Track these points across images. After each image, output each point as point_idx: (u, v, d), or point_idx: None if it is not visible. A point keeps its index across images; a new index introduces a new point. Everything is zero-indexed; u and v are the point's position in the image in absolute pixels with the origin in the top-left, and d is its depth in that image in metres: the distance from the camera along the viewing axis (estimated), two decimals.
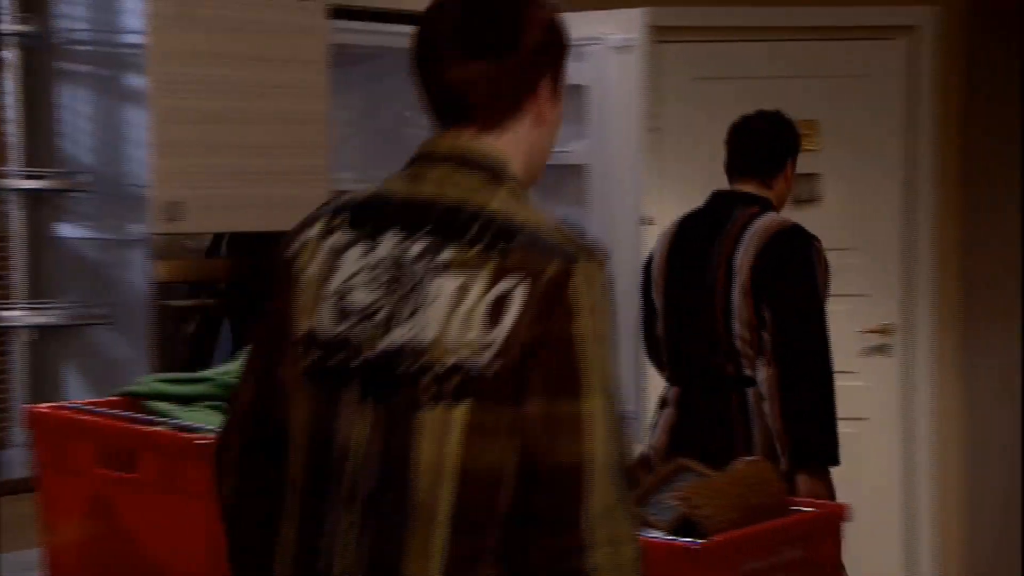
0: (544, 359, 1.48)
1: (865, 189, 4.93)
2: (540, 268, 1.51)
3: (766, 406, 3.28)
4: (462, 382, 1.49)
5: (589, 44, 4.06)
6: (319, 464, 1.56)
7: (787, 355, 3.23)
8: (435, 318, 1.52)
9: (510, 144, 1.63)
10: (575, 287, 1.50)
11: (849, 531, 4.81)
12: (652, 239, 4.89)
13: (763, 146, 3.44)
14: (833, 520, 3.50)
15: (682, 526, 3.23)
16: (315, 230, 1.65)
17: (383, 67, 4.43)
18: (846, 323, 4.88)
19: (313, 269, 1.62)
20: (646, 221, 4.36)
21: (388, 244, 1.58)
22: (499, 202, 1.57)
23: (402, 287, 1.55)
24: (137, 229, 3.38)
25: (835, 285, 4.90)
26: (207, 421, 2.14)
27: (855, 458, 4.88)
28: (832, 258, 4.83)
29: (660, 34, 4.86)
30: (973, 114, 4.84)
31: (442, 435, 1.50)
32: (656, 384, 3.85)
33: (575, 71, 4.03)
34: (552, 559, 1.48)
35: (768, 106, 4.83)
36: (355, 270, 1.59)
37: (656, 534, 3.24)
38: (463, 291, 1.52)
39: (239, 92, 3.56)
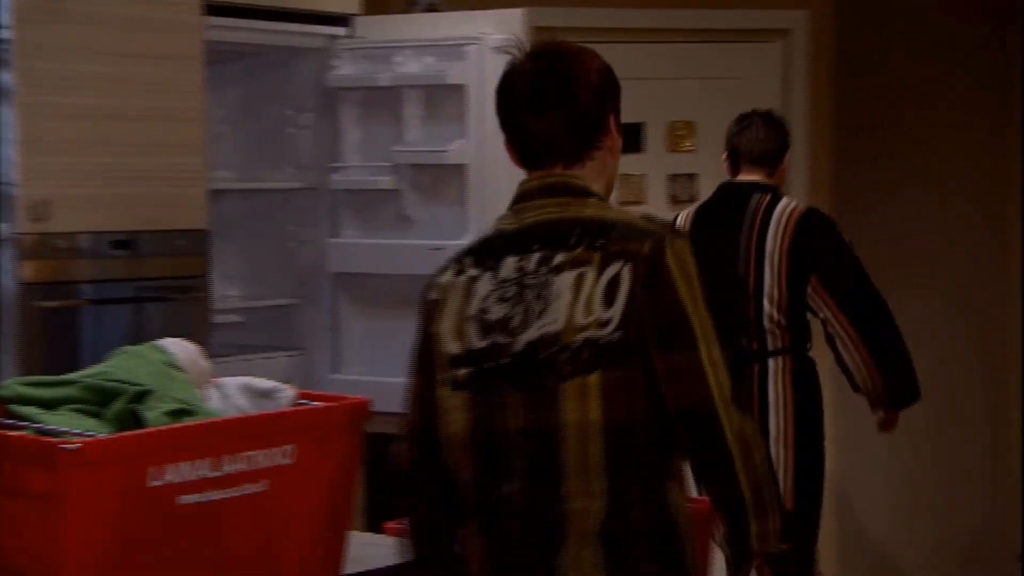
0: (656, 322, 1.87)
1: None
2: (637, 250, 1.89)
3: (851, 364, 3.67)
4: (592, 354, 1.87)
5: (468, 44, 4.06)
6: (482, 453, 1.95)
7: (862, 317, 3.63)
8: (561, 309, 1.90)
9: (591, 172, 2.01)
10: (668, 259, 1.88)
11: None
12: None
13: (772, 140, 3.79)
14: (704, 514, 3.56)
15: None
16: (449, 274, 2.03)
17: (261, 65, 4.38)
18: None
19: (452, 303, 2.00)
20: None
21: (508, 267, 1.97)
22: (591, 210, 1.96)
23: (528, 294, 1.94)
24: (4, 229, 3.30)
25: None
26: (72, 425, 2.09)
27: None
28: None
29: (540, 34, 4.88)
30: (843, 113, 4.95)
31: (583, 399, 1.87)
32: None
33: (454, 70, 4.07)
34: (712, 472, 1.90)
35: (646, 106, 4.91)
36: (486, 293, 1.97)
37: None
38: (579, 282, 1.90)
39: (111, 89, 3.49)
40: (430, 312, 2.03)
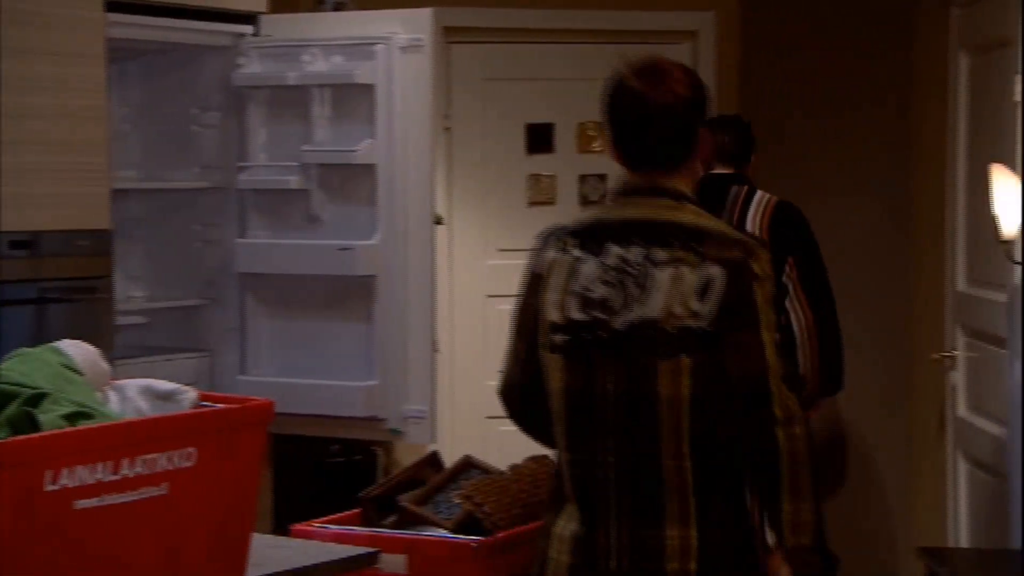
0: (736, 312, 2.28)
1: None
2: (730, 257, 2.30)
3: (799, 344, 3.86)
4: (686, 340, 2.28)
5: (376, 43, 4.04)
6: (578, 408, 2.35)
7: (820, 307, 3.89)
8: (660, 298, 2.30)
9: (684, 177, 2.39)
10: (753, 268, 2.30)
11: None
12: (444, 239, 4.93)
13: (742, 138, 4.09)
14: None
15: (467, 523, 3.26)
16: (553, 251, 2.40)
17: (165, 63, 4.32)
18: None
19: (557, 278, 2.38)
20: (438, 220, 4.36)
21: (612, 255, 2.35)
22: (688, 216, 2.35)
23: (628, 281, 2.33)
24: None
25: None
26: None
27: None
28: None
29: (449, 34, 4.88)
30: (748, 113, 4.99)
31: (676, 378, 2.29)
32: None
33: (362, 70, 4.05)
34: (758, 427, 2.29)
35: (556, 105, 4.93)
36: (590, 274, 2.35)
37: (439, 532, 3.25)
38: (677, 279, 2.30)
39: (11, 86, 3.42)
40: (535, 284, 2.41)
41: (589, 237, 2.38)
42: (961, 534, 4.10)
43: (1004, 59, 3.69)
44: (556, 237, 2.40)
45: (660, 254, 2.31)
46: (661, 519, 2.31)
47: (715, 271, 2.28)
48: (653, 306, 2.30)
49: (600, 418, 2.34)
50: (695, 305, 2.28)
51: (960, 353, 4.12)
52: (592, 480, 2.35)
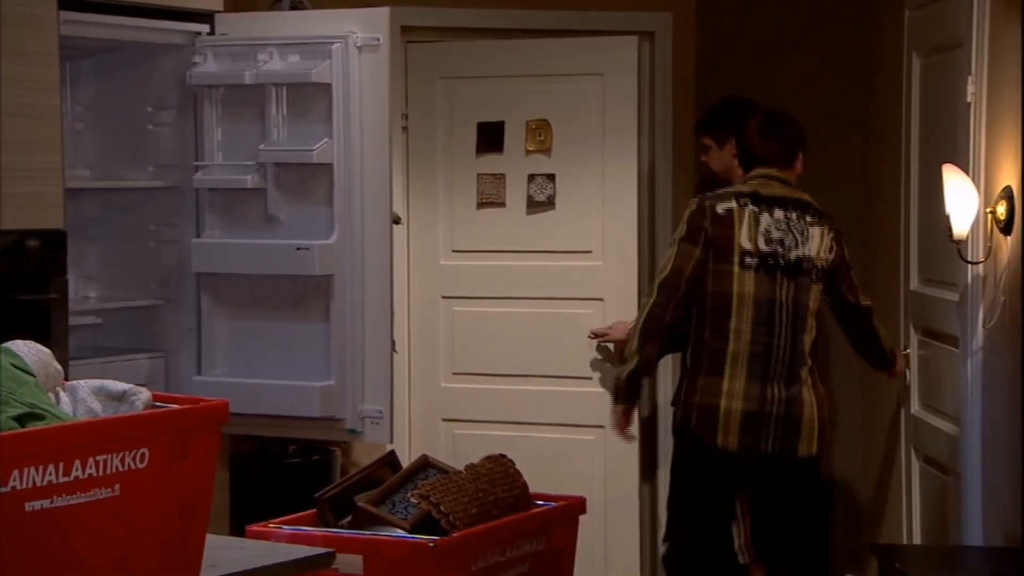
0: (844, 264, 3.97)
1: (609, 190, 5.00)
2: (834, 225, 3.94)
3: None
4: (820, 272, 3.87)
5: (333, 42, 4.03)
6: (763, 309, 3.79)
7: None
8: (813, 245, 3.86)
9: (792, 173, 3.97)
10: (841, 232, 3.98)
11: (592, 528, 4.88)
12: (402, 237, 4.90)
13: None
14: (571, 512, 3.59)
15: (424, 523, 3.26)
16: (732, 203, 3.84)
17: (120, 61, 4.29)
18: (584, 326, 4.84)
19: (744, 221, 3.81)
20: (396, 220, 4.35)
21: (779, 214, 3.85)
22: (805, 196, 3.92)
23: (794, 230, 3.85)
24: None
25: (572, 289, 4.90)
26: None
27: (595, 459, 4.96)
28: (567, 260, 4.88)
29: (406, 34, 4.86)
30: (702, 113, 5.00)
31: (814, 293, 3.86)
32: None
33: (319, 69, 4.04)
34: (854, 303, 4.02)
35: (510, 104, 4.89)
36: (768, 223, 3.82)
37: (396, 532, 3.25)
38: (821, 235, 3.88)
39: None
40: (725, 220, 3.80)
41: (756, 201, 3.83)
42: (915, 531, 4.14)
43: (954, 61, 3.73)
44: (726, 198, 3.84)
45: (808, 218, 3.86)
46: (799, 380, 3.80)
47: (834, 234, 3.90)
48: (810, 249, 3.84)
49: (776, 316, 3.78)
50: (827, 253, 3.87)
51: (912, 352, 4.16)
52: (766, 354, 3.76)
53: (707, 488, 3.85)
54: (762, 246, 3.75)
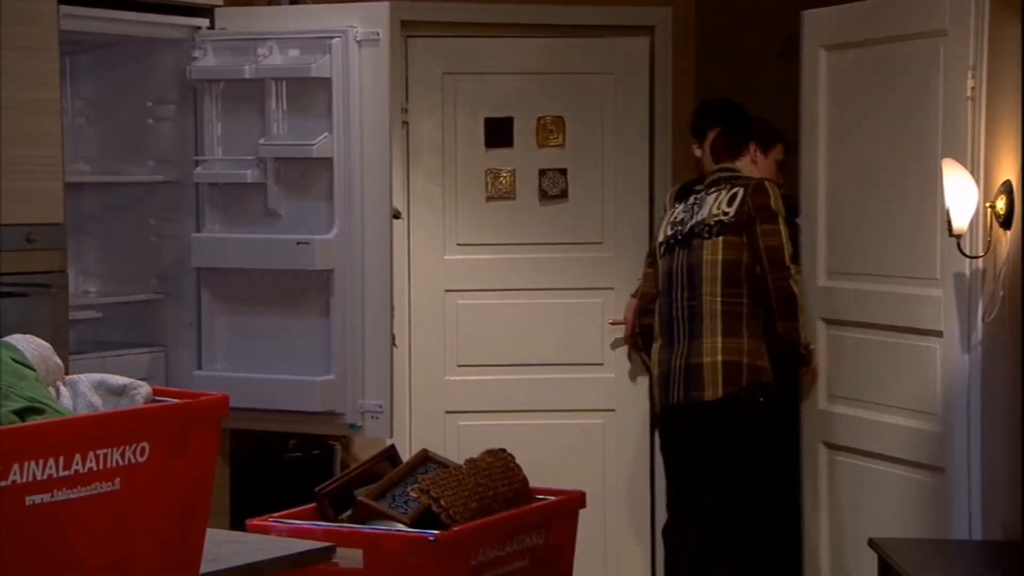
0: (757, 213, 4.12)
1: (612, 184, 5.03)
2: (748, 183, 4.17)
3: None
4: (718, 226, 4.15)
5: (333, 37, 4.03)
6: (664, 281, 4.25)
7: None
8: (706, 209, 4.18)
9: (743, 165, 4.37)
10: (764, 188, 4.15)
11: (594, 519, 4.92)
12: (402, 233, 4.90)
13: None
14: (571, 506, 3.59)
15: (424, 517, 3.26)
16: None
17: (120, 55, 4.29)
18: (596, 316, 4.99)
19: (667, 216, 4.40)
20: (397, 214, 4.36)
21: (690, 199, 4.31)
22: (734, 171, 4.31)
23: (693, 208, 4.24)
24: None
25: (583, 279, 5.00)
26: None
27: (601, 447, 5.01)
28: (578, 252, 4.96)
29: (407, 28, 4.86)
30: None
31: (709, 248, 4.14)
32: None
33: (319, 64, 4.04)
34: (775, 282, 4.10)
35: (515, 100, 4.92)
36: (679, 209, 4.32)
37: (396, 526, 3.25)
38: (716, 196, 4.19)
39: None
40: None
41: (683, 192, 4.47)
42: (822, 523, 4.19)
43: (861, 56, 3.95)
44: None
45: (712, 189, 4.26)
46: (701, 334, 4.08)
47: (738, 190, 4.15)
48: (703, 213, 4.18)
49: (673, 281, 4.19)
50: (726, 209, 4.13)
51: (820, 346, 4.16)
52: (669, 320, 4.18)
53: (666, 453, 4.32)
54: (667, 232, 4.29)
